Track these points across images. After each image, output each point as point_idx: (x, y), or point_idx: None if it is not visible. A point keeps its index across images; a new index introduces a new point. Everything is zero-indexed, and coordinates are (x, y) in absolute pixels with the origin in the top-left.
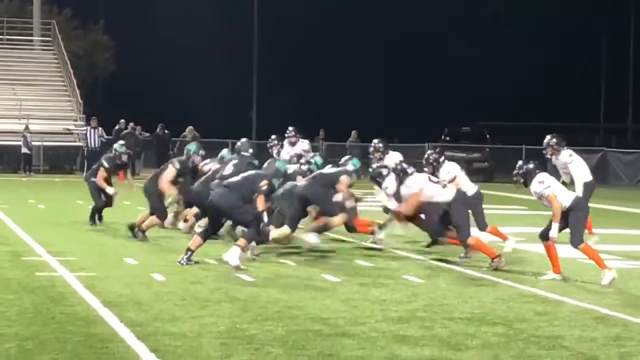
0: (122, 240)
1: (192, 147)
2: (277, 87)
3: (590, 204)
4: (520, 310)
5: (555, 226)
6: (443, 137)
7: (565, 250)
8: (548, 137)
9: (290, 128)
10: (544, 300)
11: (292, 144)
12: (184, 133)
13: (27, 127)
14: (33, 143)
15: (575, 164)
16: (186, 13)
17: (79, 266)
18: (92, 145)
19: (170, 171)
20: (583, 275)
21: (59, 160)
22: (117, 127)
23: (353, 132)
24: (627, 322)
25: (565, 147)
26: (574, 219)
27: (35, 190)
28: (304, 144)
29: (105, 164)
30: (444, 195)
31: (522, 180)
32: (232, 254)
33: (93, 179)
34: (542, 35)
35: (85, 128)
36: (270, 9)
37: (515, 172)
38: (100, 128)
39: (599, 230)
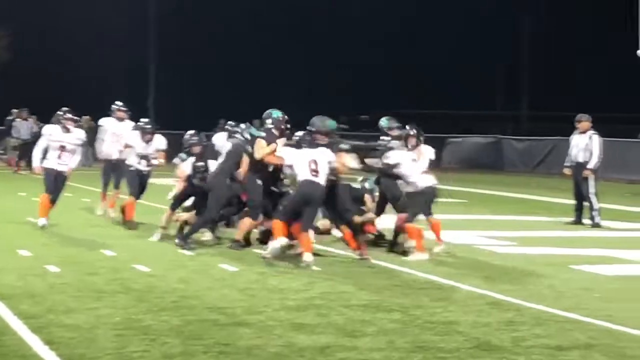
0: (15, 231)
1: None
2: (176, 73)
3: (486, 191)
4: (416, 296)
5: None
6: (339, 125)
7: (462, 237)
8: (407, 127)
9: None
10: (440, 287)
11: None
12: (80, 123)
13: None
14: None
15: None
16: None
17: None
18: (23, 137)
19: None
20: (478, 261)
21: None
22: (9, 117)
23: (256, 122)
24: (520, 306)
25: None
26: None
27: None
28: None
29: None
30: None
31: None
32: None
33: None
34: (439, 24)
35: (11, 118)
36: None
37: None
38: (31, 119)
39: (496, 217)
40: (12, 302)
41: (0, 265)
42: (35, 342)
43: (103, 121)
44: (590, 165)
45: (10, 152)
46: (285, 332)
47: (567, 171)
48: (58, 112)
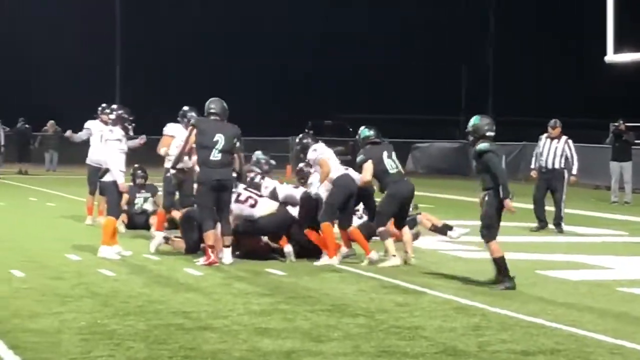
0: None
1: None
2: (142, 79)
3: (452, 197)
4: (382, 301)
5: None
6: (306, 130)
7: (427, 242)
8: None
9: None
10: (405, 291)
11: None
12: (45, 127)
13: None
14: None
15: None
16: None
17: None
18: None
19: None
20: (443, 266)
21: None
22: None
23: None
24: (485, 311)
25: None
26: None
27: None
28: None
29: None
30: None
31: (302, 154)
32: None
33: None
34: (403, 28)
35: None
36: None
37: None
38: None
39: (461, 222)
40: None
41: None
42: None
43: (90, 124)
44: (574, 171)
45: None
46: (250, 337)
47: (534, 173)
48: None
